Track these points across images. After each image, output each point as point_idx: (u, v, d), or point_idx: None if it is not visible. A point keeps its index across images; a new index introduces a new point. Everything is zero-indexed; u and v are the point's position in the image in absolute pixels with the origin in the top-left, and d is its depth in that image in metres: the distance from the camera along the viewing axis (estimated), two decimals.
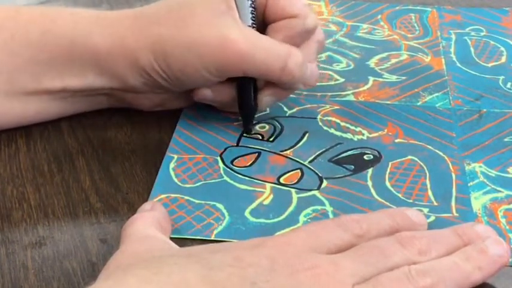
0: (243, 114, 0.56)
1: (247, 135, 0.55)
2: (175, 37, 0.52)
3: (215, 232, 0.47)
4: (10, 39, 0.53)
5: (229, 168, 0.52)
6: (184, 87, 0.54)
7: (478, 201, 0.49)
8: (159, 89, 0.55)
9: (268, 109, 0.58)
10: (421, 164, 0.53)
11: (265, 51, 0.52)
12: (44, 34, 0.53)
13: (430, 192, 0.50)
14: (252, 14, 0.53)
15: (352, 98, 0.60)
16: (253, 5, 0.53)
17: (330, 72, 0.63)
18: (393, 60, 0.65)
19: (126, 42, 0.52)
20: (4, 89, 0.53)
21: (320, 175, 0.52)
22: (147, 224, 0.43)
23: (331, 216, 0.48)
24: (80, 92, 0.55)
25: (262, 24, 0.55)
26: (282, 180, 0.51)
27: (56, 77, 0.54)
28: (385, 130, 0.56)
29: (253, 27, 0.54)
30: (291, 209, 0.49)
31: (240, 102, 0.55)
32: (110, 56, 0.53)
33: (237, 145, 0.55)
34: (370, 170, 0.52)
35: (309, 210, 0.49)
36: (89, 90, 0.55)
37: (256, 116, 0.56)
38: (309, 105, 0.59)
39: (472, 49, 0.67)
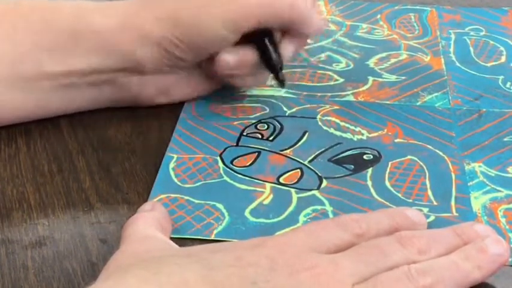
0: (271, 68, 0.57)
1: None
2: (184, 2, 0.53)
3: (215, 232, 0.47)
4: (12, 30, 0.53)
5: (229, 168, 0.52)
6: (201, 51, 0.55)
7: (478, 200, 0.49)
8: (170, 64, 0.55)
9: (268, 109, 0.58)
10: (421, 163, 0.53)
11: None
12: (45, 21, 0.53)
13: (429, 192, 0.50)
14: None
15: (351, 98, 0.60)
16: None
17: (330, 73, 0.63)
18: (393, 60, 0.65)
19: (133, 17, 0.53)
20: (6, 78, 0.53)
21: (320, 175, 0.52)
22: (147, 224, 0.43)
23: (331, 216, 0.48)
24: (83, 77, 0.54)
25: None
26: (281, 180, 0.51)
27: (59, 61, 0.54)
28: (385, 130, 0.56)
29: None
30: (290, 208, 0.49)
31: (265, 58, 0.56)
32: (117, 32, 0.53)
33: (237, 145, 0.55)
34: (369, 170, 0.52)
35: (308, 210, 0.49)
36: (93, 74, 0.54)
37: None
38: (308, 105, 0.59)
39: (471, 49, 0.67)
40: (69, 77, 0.54)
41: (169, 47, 0.53)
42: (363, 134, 0.56)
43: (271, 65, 0.57)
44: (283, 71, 0.57)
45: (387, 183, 0.51)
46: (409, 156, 0.53)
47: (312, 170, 0.52)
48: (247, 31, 0.54)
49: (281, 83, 0.57)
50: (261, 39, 0.56)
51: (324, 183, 0.51)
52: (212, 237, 0.47)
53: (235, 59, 0.55)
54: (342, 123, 0.57)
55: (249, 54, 0.56)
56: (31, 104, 0.55)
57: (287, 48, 0.57)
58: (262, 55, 0.56)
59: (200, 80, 0.57)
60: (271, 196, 0.50)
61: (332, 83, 0.62)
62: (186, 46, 0.53)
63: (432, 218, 0.48)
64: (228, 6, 0.53)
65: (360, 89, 0.61)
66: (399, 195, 0.50)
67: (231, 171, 0.52)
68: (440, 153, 0.54)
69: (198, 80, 0.57)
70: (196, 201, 0.49)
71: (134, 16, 0.53)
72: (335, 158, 0.53)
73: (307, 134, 0.56)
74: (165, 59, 0.54)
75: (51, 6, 0.55)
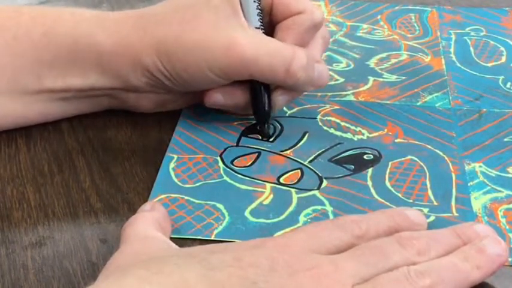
0: (258, 117, 0.55)
1: (261, 138, 0.55)
2: (180, 38, 0.52)
3: (215, 232, 0.47)
4: (12, 40, 0.53)
5: (229, 168, 0.52)
6: (189, 87, 0.54)
7: (478, 201, 0.49)
8: (162, 89, 0.55)
9: None
10: (421, 163, 0.53)
11: (269, 55, 0.52)
12: (45, 34, 0.53)
13: (430, 192, 0.50)
14: (259, 16, 0.53)
15: (352, 98, 0.60)
16: (259, 7, 0.53)
17: (330, 72, 0.63)
18: (393, 60, 0.65)
19: (129, 41, 0.52)
20: (6, 89, 0.53)
21: (320, 175, 0.52)
22: (147, 225, 0.43)
23: (331, 216, 0.48)
24: (82, 92, 0.55)
25: (269, 24, 0.55)
26: (282, 180, 0.51)
27: (58, 77, 0.54)
28: (385, 130, 0.56)
29: (262, 29, 0.53)
30: (291, 209, 0.49)
31: (255, 104, 0.55)
32: (113, 55, 0.53)
33: (237, 145, 0.55)
34: (370, 170, 0.52)
35: (309, 210, 0.49)
36: (91, 90, 0.55)
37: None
38: (308, 105, 0.59)
39: (471, 49, 0.67)
40: (68, 92, 0.54)
41: (160, 76, 0.52)
42: (363, 134, 0.56)
43: (259, 114, 0.55)
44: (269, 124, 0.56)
45: (387, 183, 0.51)
46: (409, 156, 0.53)
47: (312, 170, 0.52)
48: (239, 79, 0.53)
49: (264, 133, 0.55)
50: (256, 84, 0.54)
51: (324, 183, 0.51)
52: (212, 238, 0.47)
53: (222, 99, 0.55)
54: (342, 123, 0.57)
55: (239, 96, 0.55)
56: (32, 113, 0.55)
57: (280, 100, 0.55)
58: (253, 100, 0.54)
59: (197, 92, 0.56)
60: (271, 196, 0.50)
61: (332, 82, 0.62)
62: (174, 79, 0.52)
63: (432, 218, 0.48)
64: (222, 55, 0.51)
65: (360, 89, 0.61)
66: (399, 195, 0.50)
67: (231, 171, 0.52)
68: (441, 153, 0.54)
69: (194, 93, 0.56)
70: (197, 201, 0.49)
71: (129, 38, 0.52)
72: (335, 158, 0.53)
73: (307, 134, 0.56)
74: (157, 85, 0.54)
75: (51, 16, 0.54)
